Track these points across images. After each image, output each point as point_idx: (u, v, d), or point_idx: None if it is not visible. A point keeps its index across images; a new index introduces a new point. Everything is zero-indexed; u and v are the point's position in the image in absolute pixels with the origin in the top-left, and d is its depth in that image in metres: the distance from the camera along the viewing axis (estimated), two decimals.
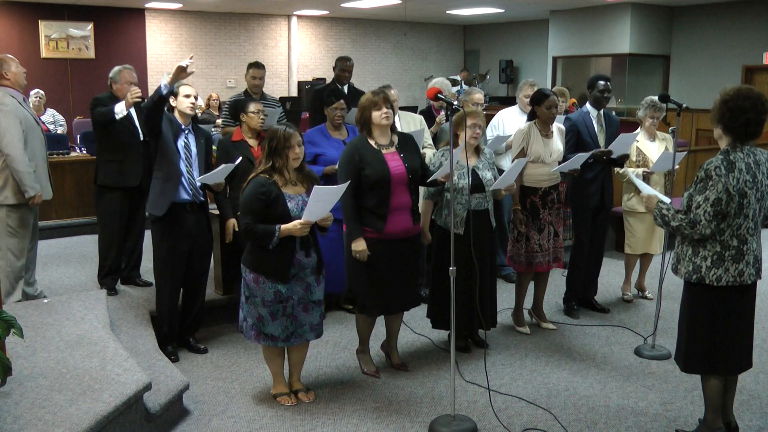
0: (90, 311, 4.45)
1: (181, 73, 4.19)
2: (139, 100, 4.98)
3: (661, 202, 3.47)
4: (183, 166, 4.40)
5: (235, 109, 5.03)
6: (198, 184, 4.45)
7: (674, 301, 5.52)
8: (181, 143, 4.41)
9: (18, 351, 3.68)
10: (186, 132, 4.45)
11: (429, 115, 6.21)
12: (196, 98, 4.47)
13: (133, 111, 5.25)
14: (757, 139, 3.32)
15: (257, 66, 6.36)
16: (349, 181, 3.88)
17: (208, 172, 4.44)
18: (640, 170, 5.42)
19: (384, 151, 4.13)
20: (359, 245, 4.05)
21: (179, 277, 4.53)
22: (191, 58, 4.30)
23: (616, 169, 5.50)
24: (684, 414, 3.94)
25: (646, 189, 3.70)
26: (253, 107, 4.81)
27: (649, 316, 5.45)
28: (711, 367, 3.42)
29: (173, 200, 4.37)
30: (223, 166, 4.41)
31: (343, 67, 6.76)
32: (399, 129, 5.41)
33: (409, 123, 5.61)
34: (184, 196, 4.41)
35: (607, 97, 5.29)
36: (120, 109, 5.01)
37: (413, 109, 8.55)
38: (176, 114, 4.44)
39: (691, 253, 3.34)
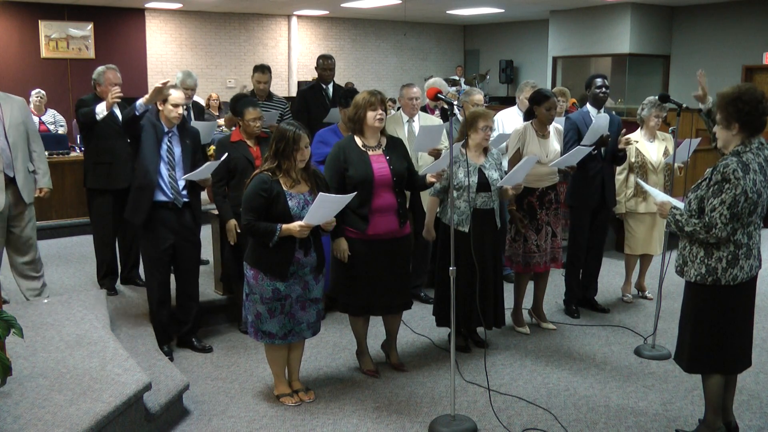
0: (90, 311, 4.45)
1: (158, 94, 4.28)
2: (119, 100, 4.95)
3: (675, 208, 3.43)
4: (165, 170, 4.40)
5: (234, 109, 5.02)
6: (181, 185, 4.44)
7: (674, 301, 5.52)
8: (164, 147, 4.41)
9: (18, 351, 3.68)
10: (170, 135, 4.44)
11: None
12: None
13: (119, 113, 5.19)
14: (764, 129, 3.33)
15: (261, 71, 6.35)
16: (355, 192, 3.89)
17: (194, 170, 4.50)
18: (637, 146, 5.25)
19: (370, 153, 4.13)
20: (341, 245, 4.07)
21: (165, 275, 4.53)
22: (167, 82, 4.36)
23: (634, 179, 5.50)
24: (684, 414, 3.94)
25: (659, 196, 3.65)
26: (250, 114, 4.76)
27: (649, 316, 5.45)
28: (716, 366, 3.41)
29: (150, 204, 4.38)
30: (207, 164, 4.44)
31: (325, 65, 6.71)
32: (418, 126, 5.40)
33: (428, 124, 5.56)
34: (163, 198, 4.41)
35: (605, 92, 5.29)
36: (101, 110, 4.96)
37: None
38: (161, 116, 4.42)
39: (703, 255, 3.31)
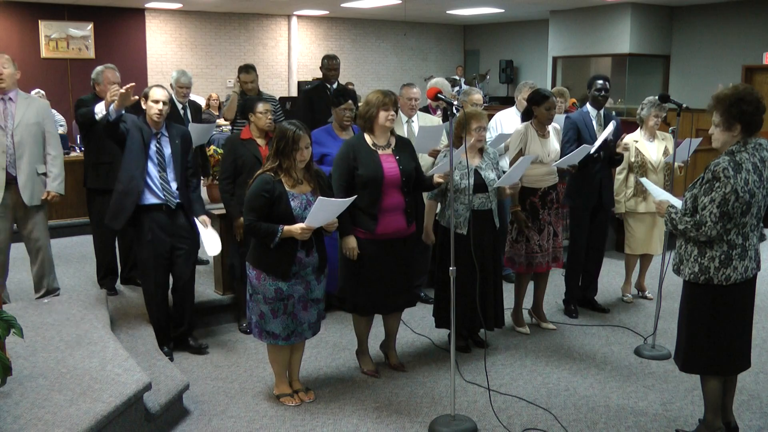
0: (90, 311, 4.45)
1: (125, 99, 4.23)
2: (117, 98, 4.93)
3: (672, 206, 3.44)
4: (155, 171, 4.38)
5: (244, 108, 5.04)
6: (173, 186, 4.43)
7: (674, 301, 5.52)
8: (152, 148, 4.38)
9: (18, 351, 3.68)
10: (158, 136, 4.41)
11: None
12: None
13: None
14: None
15: (246, 71, 6.43)
16: (355, 196, 3.90)
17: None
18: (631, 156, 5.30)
19: (380, 152, 4.14)
20: (350, 242, 4.07)
21: (162, 277, 4.51)
22: (132, 86, 4.29)
23: (634, 178, 5.49)
24: (684, 414, 3.94)
25: (659, 194, 3.65)
26: (261, 107, 4.80)
27: (649, 316, 5.45)
28: (711, 368, 3.42)
29: (143, 203, 4.36)
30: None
31: (329, 65, 6.74)
32: (417, 127, 5.40)
33: (427, 125, 5.57)
34: (155, 200, 4.38)
35: (604, 95, 5.29)
36: (100, 109, 4.92)
37: None
38: (147, 117, 4.39)
39: (696, 254, 3.32)
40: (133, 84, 4.35)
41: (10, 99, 4.83)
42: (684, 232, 3.31)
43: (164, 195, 4.39)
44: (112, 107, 4.26)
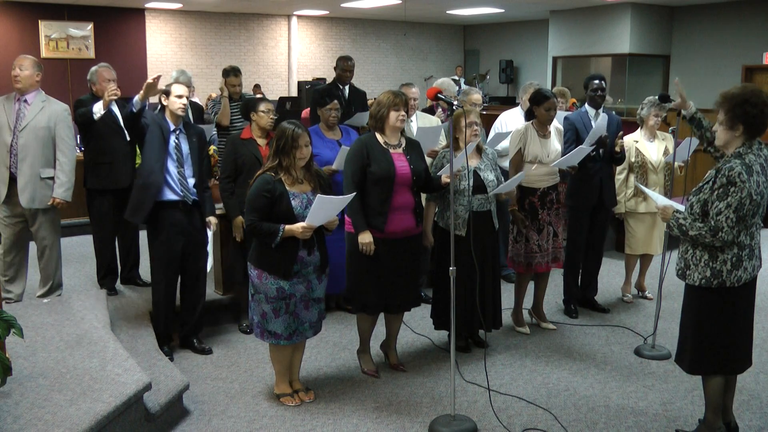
0: (90, 311, 4.45)
1: (151, 89, 4.26)
2: (116, 97, 4.91)
3: (677, 211, 3.41)
4: (173, 167, 4.39)
5: (246, 108, 5.05)
6: (190, 183, 4.44)
7: (674, 301, 5.52)
8: (171, 144, 4.39)
9: (18, 351, 3.68)
10: (177, 133, 4.43)
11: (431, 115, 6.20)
12: (189, 98, 4.45)
13: (117, 112, 5.13)
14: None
15: (234, 74, 6.47)
16: (354, 193, 3.92)
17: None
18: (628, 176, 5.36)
19: (392, 151, 4.16)
20: (365, 237, 4.07)
21: (173, 277, 4.52)
22: (158, 77, 4.34)
23: (636, 184, 5.49)
24: (684, 414, 3.94)
25: (660, 200, 3.62)
26: (263, 106, 4.82)
27: (649, 316, 5.45)
28: (718, 367, 3.41)
29: (161, 200, 4.37)
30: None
31: (345, 66, 6.76)
32: (416, 127, 5.43)
33: (426, 124, 5.59)
34: (173, 196, 4.39)
35: (601, 94, 5.30)
36: (98, 109, 4.92)
37: None
38: (167, 114, 4.41)
39: (708, 258, 3.29)
40: (160, 75, 4.40)
41: (25, 101, 4.86)
42: (696, 239, 3.28)
43: (182, 191, 4.40)
44: (136, 98, 4.28)
